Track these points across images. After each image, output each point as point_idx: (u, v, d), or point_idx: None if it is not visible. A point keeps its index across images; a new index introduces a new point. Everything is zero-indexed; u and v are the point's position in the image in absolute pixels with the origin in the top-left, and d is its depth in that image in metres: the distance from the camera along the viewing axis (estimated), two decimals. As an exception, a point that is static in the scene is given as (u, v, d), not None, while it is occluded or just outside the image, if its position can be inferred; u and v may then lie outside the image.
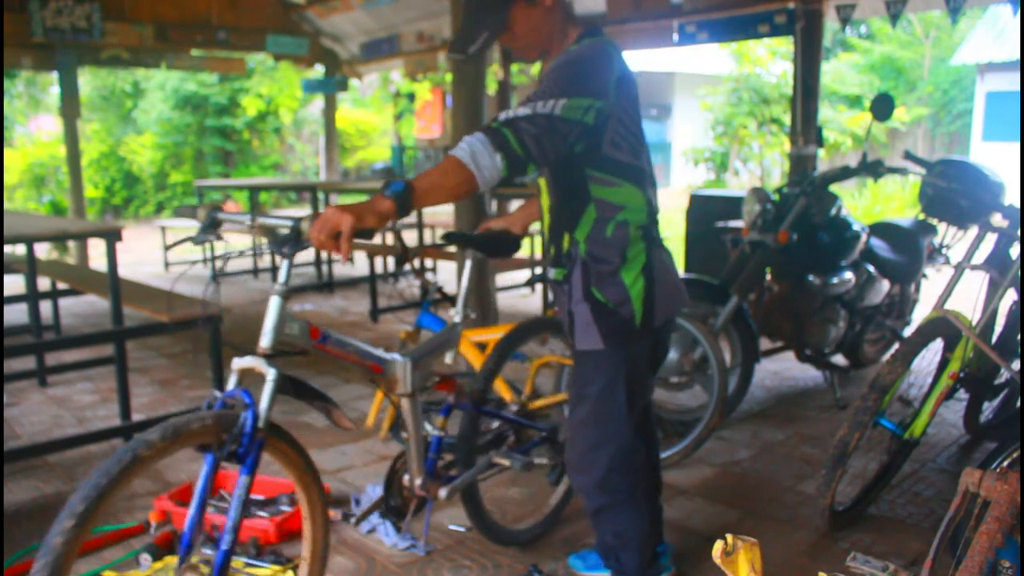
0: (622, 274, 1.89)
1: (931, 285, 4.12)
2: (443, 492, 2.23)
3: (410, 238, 8.04)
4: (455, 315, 2.43)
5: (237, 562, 2.38)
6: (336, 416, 1.90)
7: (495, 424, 2.56)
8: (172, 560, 2.35)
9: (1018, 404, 3.30)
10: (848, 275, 3.70)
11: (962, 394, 3.33)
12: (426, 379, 2.16)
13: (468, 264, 2.47)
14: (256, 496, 2.67)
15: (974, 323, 2.59)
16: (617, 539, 2.05)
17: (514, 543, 2.53)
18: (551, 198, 1.97)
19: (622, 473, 2.00)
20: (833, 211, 3.66)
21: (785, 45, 13.27)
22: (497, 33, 1.84)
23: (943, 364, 2.61)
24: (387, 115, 17.42)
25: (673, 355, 3.28)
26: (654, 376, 2.16)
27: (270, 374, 1.69)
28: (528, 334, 2.52)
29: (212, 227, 1.81)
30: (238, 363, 1.71)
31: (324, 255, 7.38)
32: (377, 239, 7.87)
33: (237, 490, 1.69)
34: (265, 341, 1.71)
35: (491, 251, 2.45)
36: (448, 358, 2.42)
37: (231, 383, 1.71)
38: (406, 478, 2.27)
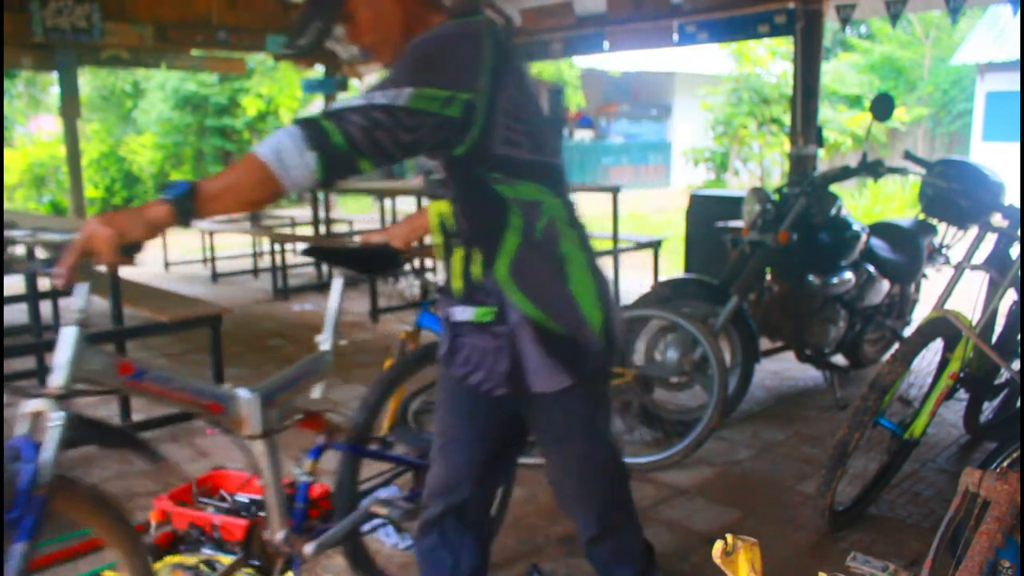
0: (570, 288, 1.57)
1: (931, 285, 4.12)
2: (309, 548, 1.95)
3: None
4: (322, 343, 2.05)
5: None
6: (161, 467, 1.69)
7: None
8: (172, 560, 2.35)
9: (1018, 404, 3.30)
10: (848, 275, 3.70)
11: (962, 394, 3.33)
12: (285, 417, 1.89)
13: (338, 284, 2.08)
14: (256, 496, 2.67)
15: (974, 323, 2.59)
16: (613, 556, 1.84)
17: None
18: (464, 219, 1.59)
19: (620, 499, 1.80)
20: (833, 211, 3.66)
21: (785, 45, 13.27)
22: (332, 23, 1.56)
23: (943, 364, 2.61)
24: (387, 115, 17.43)
25: (673, 355, 3.28)
26: None
27: (56, 418, 1.43)
28: (422, 364, 2.23)
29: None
30: (27, 406, 1.45)
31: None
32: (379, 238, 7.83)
33: (11, 561, 1.38)
34: (56, 379, 1.45)
35: (363, 268, 2.12)
36: (316, 391, 2.09)
37: (20, 429, 1.44)
38: (267, 532, 1.97)
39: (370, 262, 2.11)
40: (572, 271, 1.58)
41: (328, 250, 2.09)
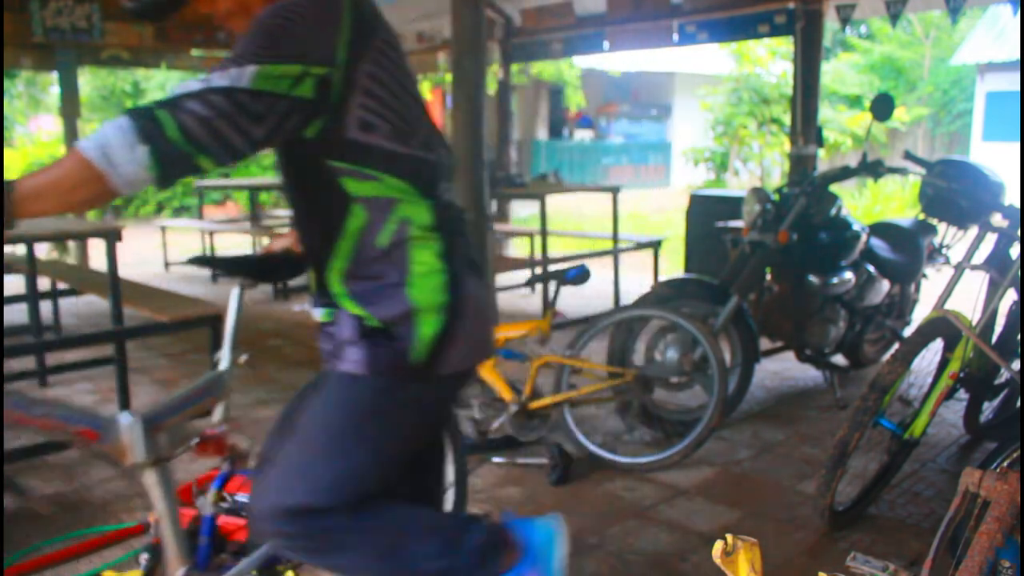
0: (409, 294, 1.39)
1: (931, 285, 4.12)
2: None
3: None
4: (221, 360, 1.85)
5: (237, 562, 2.38)
6: (35, 502, 1.58)
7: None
8: (172, 560, 2.35)
9: (1018, 404, 3.30)
10: (848, 275, 3.70)
11: (962, 394, 3.34)
12: (177, 442, 1.70)
13: (235, 293, 1.87)
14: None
15: (974, 323, 2.59)
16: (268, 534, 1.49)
17: None
18: (298, 210, 1.47)
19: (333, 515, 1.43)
20: (833, 211, 3.66)
21: (785, 45, 13.27)
22: None
23: (943, 364, 2.61)
24: (387, 115, 17.41)
25: (673, 355, 3.28)
26: (435, 441, 1.68)
27: None
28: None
29: None
30: None
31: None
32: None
33: None
34: None
35: (262, 276, 1.91)
36: (216, 414, 1.85)
37: None
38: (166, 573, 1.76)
39: (269, 269, 1.91)
40: (419, 279, 1.39)
41: (219, 259, 1.91)
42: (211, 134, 1.20)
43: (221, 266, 1.91)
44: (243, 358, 1.90)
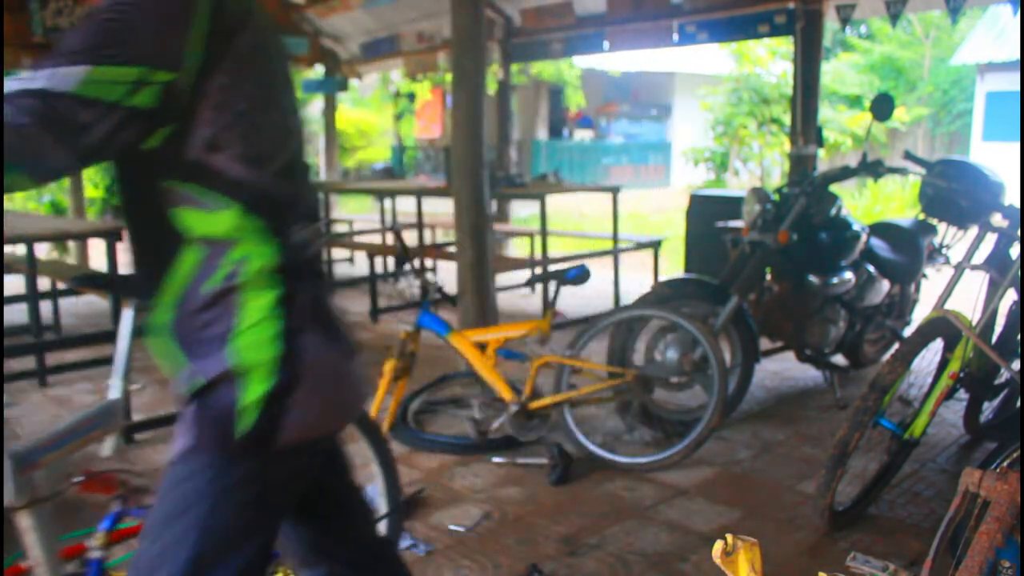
0: (232, 344, 1.15)
1: (931, 285, 4.12)
2: None
3: (410, 238, 8.04)
4: (111, 389, 1.67)
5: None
6: None
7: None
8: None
9: (1018, 404, 3.30)
10: (848, 275, 3.70)
11: (962, 394, 3.33)
12: (57, 481, 1.52)
13: (127, 315, 1.69)
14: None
15: (974, 323, 2.60)
16: None
17: None
18: (129, 231, 1.25)
19: None
20: (833, 211, 3.66)
21: (785, 45, 13.27)
22: None
23: (943, 364, 2.62)
24: (387, 115, 17.46)
25: (673, 355, 3.28)
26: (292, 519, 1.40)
27: None
28: None
29: None
30: None
31: (324, 254, 7.37)
32: (377, 239, 7.90)
33: None
34: None
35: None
36: (107, 447, 1.68)
37: None
38: None
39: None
40: (246, 330, 1.16)
41: (108, 278, 1.76)
42: (24, 145, 0.96)
43: (111, 286, 1.73)
44: (135, 386, 1.74)
